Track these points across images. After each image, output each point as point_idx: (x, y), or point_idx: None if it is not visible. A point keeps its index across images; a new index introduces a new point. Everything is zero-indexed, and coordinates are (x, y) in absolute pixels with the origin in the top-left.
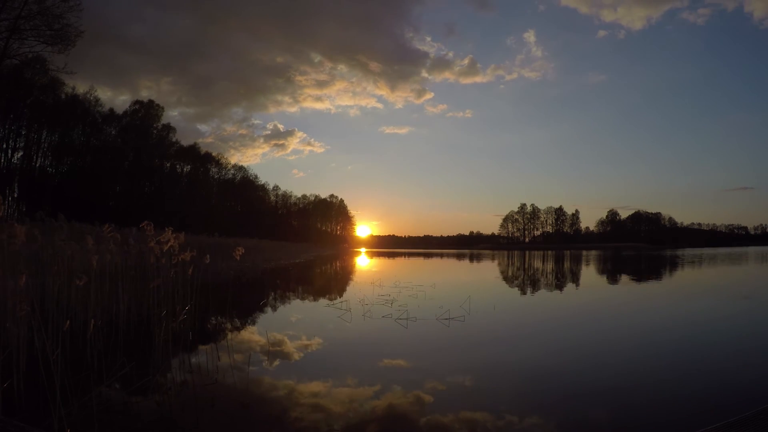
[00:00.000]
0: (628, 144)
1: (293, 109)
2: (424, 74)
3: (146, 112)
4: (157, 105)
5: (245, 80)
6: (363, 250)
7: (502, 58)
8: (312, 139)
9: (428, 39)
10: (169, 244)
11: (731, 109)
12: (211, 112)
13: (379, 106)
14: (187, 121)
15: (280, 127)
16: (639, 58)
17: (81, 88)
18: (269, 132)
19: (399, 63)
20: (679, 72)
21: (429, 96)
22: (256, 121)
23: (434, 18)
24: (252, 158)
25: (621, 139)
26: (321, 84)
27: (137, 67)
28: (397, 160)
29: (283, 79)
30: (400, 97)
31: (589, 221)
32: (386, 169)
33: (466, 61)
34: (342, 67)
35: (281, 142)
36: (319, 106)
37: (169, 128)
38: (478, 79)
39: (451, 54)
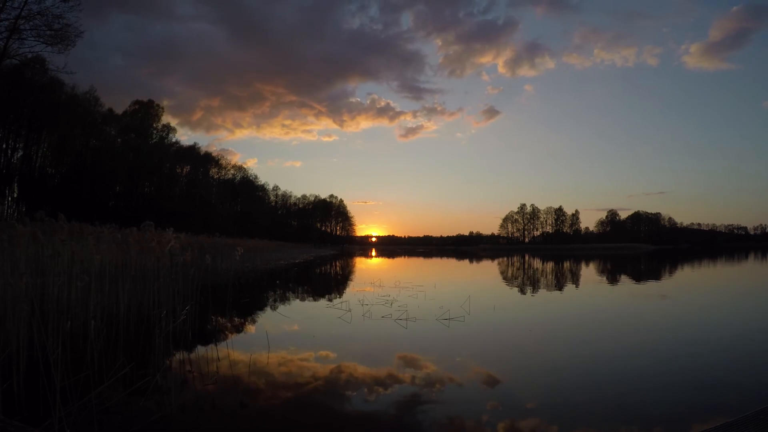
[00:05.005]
0: (629, 144)
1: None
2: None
3: (146, 112)
4: (157, 105)
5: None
6: (363, 250)
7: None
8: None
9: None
10: (170, 245)
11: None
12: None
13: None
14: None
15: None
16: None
17: (81, 88)
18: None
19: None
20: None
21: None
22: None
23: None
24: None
25: (622, 139)
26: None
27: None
28: (395, 163)
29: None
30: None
31: (588, 221)
32: (385, 172)
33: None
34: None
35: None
36: (308, 137)
37: (169, 128)
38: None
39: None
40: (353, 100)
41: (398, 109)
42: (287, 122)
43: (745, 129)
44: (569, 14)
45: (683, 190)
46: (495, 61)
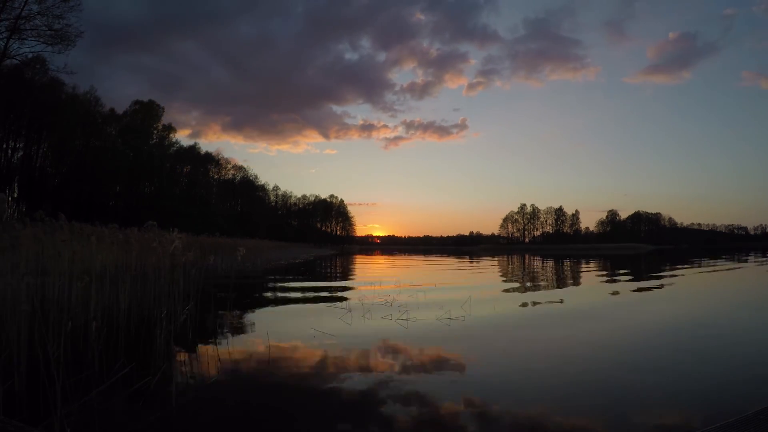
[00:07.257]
0: (629, 144)
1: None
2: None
3: (146, 112)
4: (158, 105)
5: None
6: (363, 250)
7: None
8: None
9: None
10: (173, 245)
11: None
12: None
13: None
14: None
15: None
16: None
17: (81, 88)
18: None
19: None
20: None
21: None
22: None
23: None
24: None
25: (622, 138)
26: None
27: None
28: (392, 167)
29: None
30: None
31: (589, 221)
32: (383, 176)
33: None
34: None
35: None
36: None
37: (169, 128)
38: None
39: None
40: (347, 121)
41: (381, 124)
42: (282, 137)
43: (746, 128)
44: (511, 45)
45: (682, 191)
46: (460, 83)
